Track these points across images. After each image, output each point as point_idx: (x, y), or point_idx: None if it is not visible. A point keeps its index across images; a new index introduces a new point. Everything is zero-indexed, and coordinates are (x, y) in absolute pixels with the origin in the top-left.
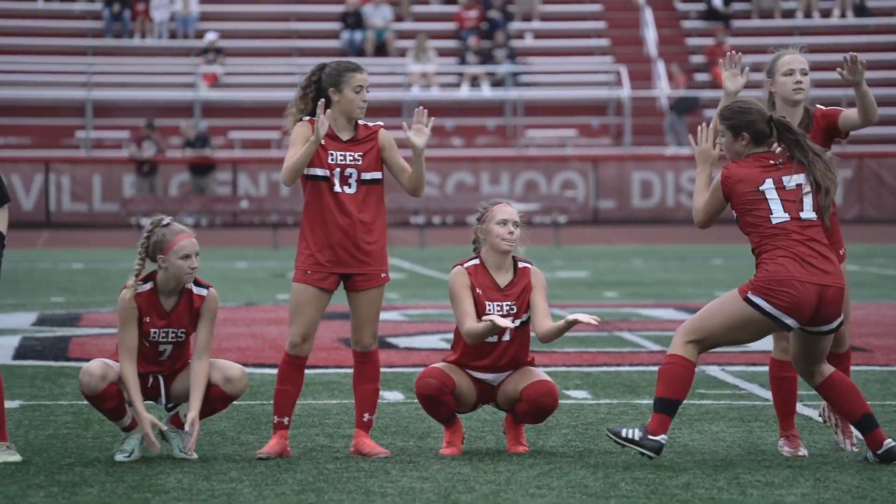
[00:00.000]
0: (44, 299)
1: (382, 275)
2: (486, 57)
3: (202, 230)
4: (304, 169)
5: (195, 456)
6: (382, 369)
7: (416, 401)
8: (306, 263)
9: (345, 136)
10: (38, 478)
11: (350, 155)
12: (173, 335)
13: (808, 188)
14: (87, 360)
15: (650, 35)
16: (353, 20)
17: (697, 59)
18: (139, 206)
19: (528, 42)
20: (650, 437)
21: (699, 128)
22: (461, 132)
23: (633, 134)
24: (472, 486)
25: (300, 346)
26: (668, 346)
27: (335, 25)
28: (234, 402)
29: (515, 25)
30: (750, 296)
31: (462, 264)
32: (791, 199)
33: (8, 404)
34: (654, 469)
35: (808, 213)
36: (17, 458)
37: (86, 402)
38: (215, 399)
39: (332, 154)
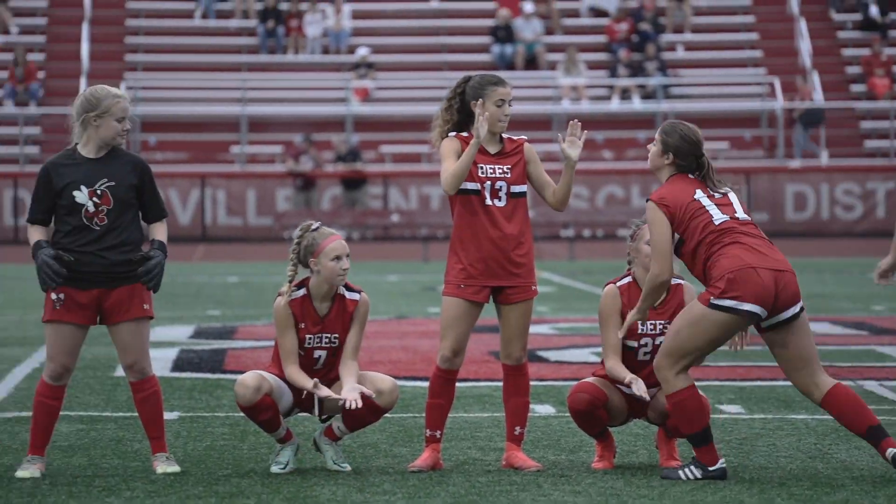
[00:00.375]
0: (200, 312)
1: (532, 287)
2: (636, 69)
3: (354, 244)
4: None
5: (349, 468)
6: (533, 382)
7: (568, 414)
8: (458, 277)
9: (493, 150)
10: (196, 488)
11: (499, 168)
12: (327, 340)
13: (733, 195)
14: (243, 372)
15: (804, 46)
16: (504, 34)
17: (853, 69)
18: (293, 219)
19: (680, 54)
20: (710, 469)
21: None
22: (611, 145)
23: (786, 146)
24: (624, 500)
25: (451, 359)
26: (665, 387)
27: (485, 39)
28: (387, 415)
29: (666, 37)
30: (713, 301)
31: (615, 282)
32: (724, 204)
33: (167, 416)
34: (812, 485)
35: (742, 214)
36: (176, 468)
37: (241, 413)
38: (367, 411)
39: (482, 167)
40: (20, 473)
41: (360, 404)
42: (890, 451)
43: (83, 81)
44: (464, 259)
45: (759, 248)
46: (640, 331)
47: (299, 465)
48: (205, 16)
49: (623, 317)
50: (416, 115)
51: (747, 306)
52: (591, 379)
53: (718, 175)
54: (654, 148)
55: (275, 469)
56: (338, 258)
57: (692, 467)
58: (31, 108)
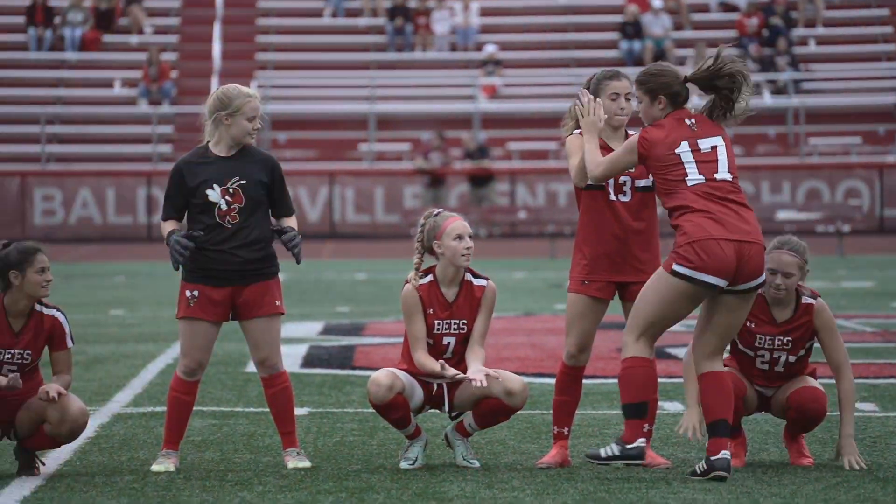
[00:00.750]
0: (329, 309)
1: None
2: (767, 64)
3: (481, 241)
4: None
5: (477, 464)
6: (661, 379)
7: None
8: (582, 274)
9: (615, 144)
10: (326, 484)
11: None
12: (456, 326)
13: (723, 148)
14: (372, 369)
15: None
16: (632, 30)
17: None
18: (420, 216)
19: (811, 48)
20: (628, 446)
21: (586, 100)
22: (741, 140)
23: None
24: (756, 498)
25: (577, 356)
26: (623, 351)
27: (613, 35)
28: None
29: (798, 32)
30: (675, 268)
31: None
32: (706, 161)
33: (297, 411)
34: None
35: (722, 173)
36: (306, 464)
37: (371, 409)
38: (497, 411)
39: None
40: (155, 467)
41: (485, 384)
42: (723, 453)
43: (215, 80)
44: (588, 255)
45: (727, 218)
46: (756, 343)
47: (428, 460)
48: (334, 14)
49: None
50: (544, 112)
51: (706, 277)
52: (728, 369)
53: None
54: (642, 104)
55: (404, 465)
56: (459, 237)
57: (612, 445)
58: (164, 107)
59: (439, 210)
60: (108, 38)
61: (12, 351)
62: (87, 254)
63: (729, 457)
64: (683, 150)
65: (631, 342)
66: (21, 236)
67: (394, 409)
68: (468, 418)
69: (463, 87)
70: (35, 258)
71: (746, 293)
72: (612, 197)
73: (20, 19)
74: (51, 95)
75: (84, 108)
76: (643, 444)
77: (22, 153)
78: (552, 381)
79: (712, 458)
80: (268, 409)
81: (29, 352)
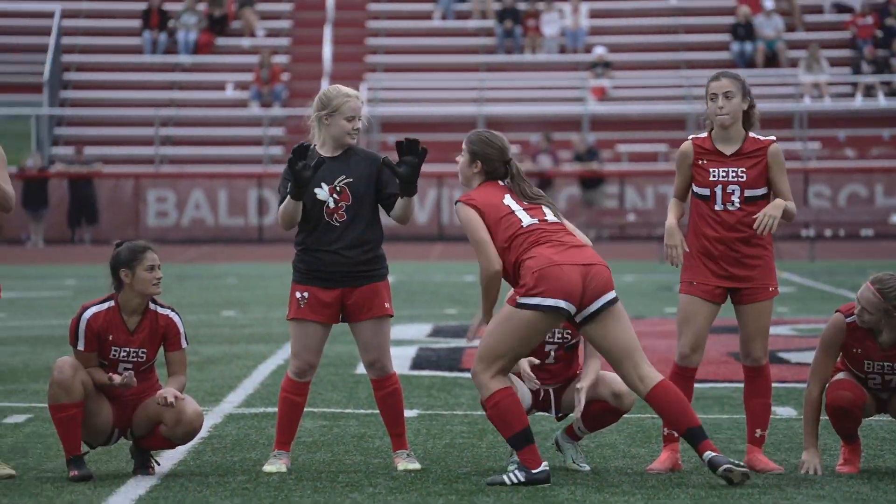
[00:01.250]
0: (437, 311)
1: (770, 288)
2: (881, 66)
3: None
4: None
5: (587, 468)
6: (774, 384)
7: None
8: (691, 275)
9: (728, 151)
10: (436, 486)
11: (732, 171)
12: (559, 337)
13: (548, 207)
14: None
15: None
16: (744, 31)
17: None
18: None
19: None
20: (533, 472)
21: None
22: (854, 143)
23: None
24: None
25: (689, 356)
26: (482, 392)
27: (725, 37)
28: (625, 415)
29: None
30: (520, 300)
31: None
32: (533, 208)
33: (406, 413)
34: None
35: (551, 217)
36: (416, 466)
37: (480, 412)
38: (605, 414)
39: (713, 171)
40: (267, 468)
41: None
42: (707, 455)
43: (325, 83)
44: (696, 259)
45: (566, 247)
46: (865, 367)
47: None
48: (444, 17)
49: (845, 349)
50: (654, 115)
51: (551, 301)
52: (844, 376)
53: (531, 184)
54: (462, 159)
55: (512, 468)
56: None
57: (516, 471)
58: (276, 110)
59: None
60: (220, 41)
61: (128, 349)
62: (199, 255)
63: (719, 453)
64: (509, 200)
65: (486, 381)
66: (135, 237)
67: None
68: (577, 422)
69: (572, 90)
70: (144, 256)
71: (604, 312)
72: (718, 206)
73: (136, 23)
74: (164, 98)
75: (197, 110)
76: (547, 468)
77: (136, 155)
78: None
79: (710, 456)
80: (377, 411)
81: (144, 350)
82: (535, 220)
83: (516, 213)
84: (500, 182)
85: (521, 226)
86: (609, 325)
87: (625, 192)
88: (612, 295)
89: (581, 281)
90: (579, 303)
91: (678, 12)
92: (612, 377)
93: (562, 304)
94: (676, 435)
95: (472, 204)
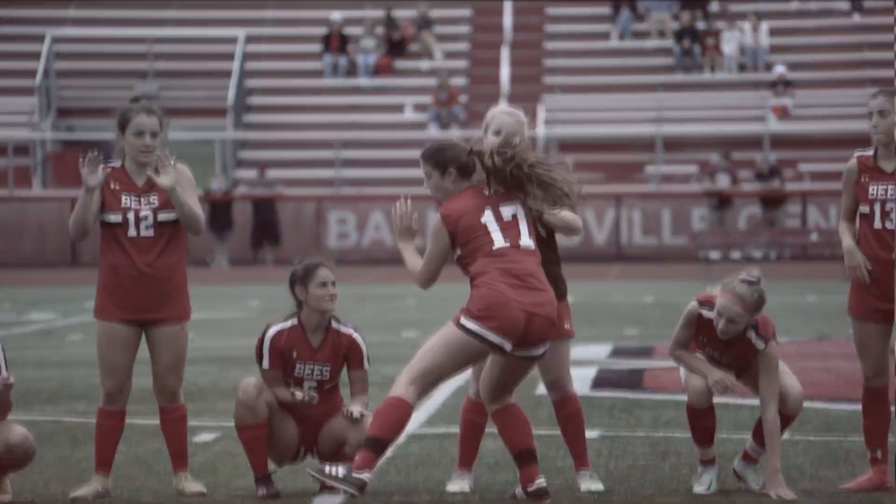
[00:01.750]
0: (617, 331)
1: None
2: None
3: (770, 264)
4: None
5: (773, 494)
6: None
7: None
8: (851, 299)
9: (889, 168)
10: None
11: (892, 188)
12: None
13: (523, 217)
14: (664, 391)
15: None
16: None
17: None
18: (707, 239)
19: None
20: (354, 473)
21: (398, 204)
22: None
23: None
24: None
25: (873, 379)
26: (393, 389)
27: None
28: (810, 438)
29: None
30: (463, 321)
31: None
32: (510, 228)
33: (588, 433)
34: None
35: (525, 241)
36: (599, 486)
37: (663, 434)
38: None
39: (872, 188)
40: (451, 487)
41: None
42: (539, 481)
43: (503, 104)
44: (854, 281)
45: (524, 285)
46: None
47: (721, 486)
48: (621, 36)
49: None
50: (836, 133)
51: (492, 336)
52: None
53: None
54: (432, 181)
55: (698, 489)
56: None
57: (340, 467)
58: (454, 131)
59: None
60: (399, 63)
61: (312, 366)
62: (379, 276)
63: (545, 483)
64: (488, 218)
65: (404, 384)
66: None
67: (709, 417)
68: (749, 444)
69: (752, 109)
70: (317, 273)
71: (531, 359)
72: (877, 224)
73: (316, 47)
74: (345, 121)
75: (376, 132)
76: (368, 478)
77: (317, 178)
78: (848, 406)
79: (529, 488)
80: (558, 432)
81: (328, 367)
82: (507, 245)
83: (491, 233)
84: (484, 191)
85: (491, 248)
86: (522, 369)
87: (807, 212)
88: (544, 348)
89: (524, 325)
90: (519, 342)
91: (862, 29)
92: (780, 382)
93: (506, 343)
94: (879, 455)
95: (450, 219)
